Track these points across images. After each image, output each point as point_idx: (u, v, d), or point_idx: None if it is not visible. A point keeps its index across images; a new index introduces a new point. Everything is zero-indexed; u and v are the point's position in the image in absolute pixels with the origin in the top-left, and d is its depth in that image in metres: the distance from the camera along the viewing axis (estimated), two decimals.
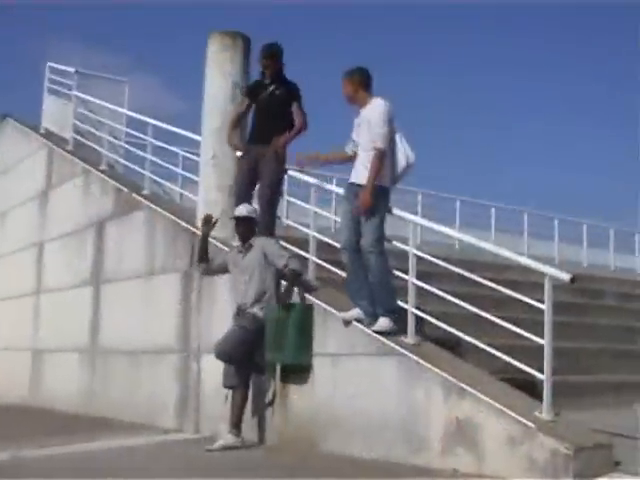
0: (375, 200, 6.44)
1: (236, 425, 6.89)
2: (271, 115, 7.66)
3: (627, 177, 39.58)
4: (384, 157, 6.48)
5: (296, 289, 7.05)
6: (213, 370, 7.32)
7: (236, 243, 7.55)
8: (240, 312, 7.12)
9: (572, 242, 18.80)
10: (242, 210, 7.32)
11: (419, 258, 6.57)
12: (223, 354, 6.99)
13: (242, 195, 7.70)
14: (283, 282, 7.12)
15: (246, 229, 7.28)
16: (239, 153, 7.90)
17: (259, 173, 7.66)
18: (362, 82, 6.72)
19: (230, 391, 7.00)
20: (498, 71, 58.04)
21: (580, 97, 56.96)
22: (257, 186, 7.75)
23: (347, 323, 6.59)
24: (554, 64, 54.73)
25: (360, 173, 6.58)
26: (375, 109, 6.58)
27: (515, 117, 56.83)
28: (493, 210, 17.62)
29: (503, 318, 5.95)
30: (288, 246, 7.56)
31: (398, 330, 6.38)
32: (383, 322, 6.39)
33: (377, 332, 6.35)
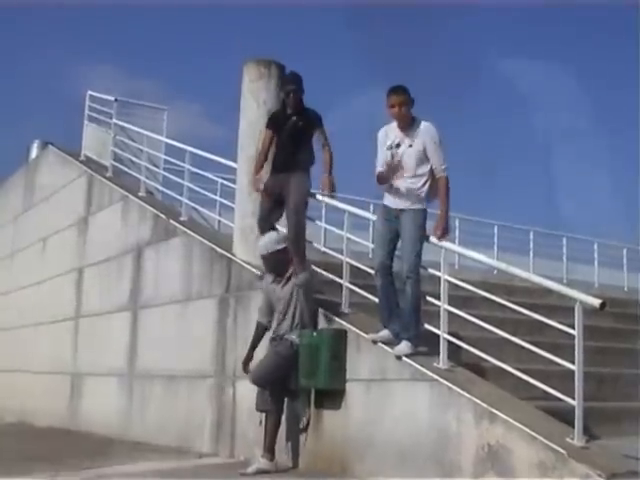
0: (421, 224, 6.41)
1: (270, 449, 6.93)
2: (295, 146, 7.66)
3: None
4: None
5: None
6: (248, 395, 7.38)
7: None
8: (277, 338, 7.16)
9: (613, 267, 18.57)
10: (266, 246, 7.24)
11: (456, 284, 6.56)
12: (259, 379, 7.05)
13: (265, 223, 7.74)
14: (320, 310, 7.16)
15: (276, 264, 7.24)
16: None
17: (285, 201, 7.67)
18: (412, 102, 6.52)
19: (264, 415, 7.05)
20: None
21: None
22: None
23: (375, 343, 6.59)
24: None
25: (403, 198, 6.44)
26: (430, 133, 6.42)
27: None
28: (531, 234, 17.48)
29: (540, 343, 5.91)
30: (324, 272, 7.60)
31: (431, 355, 6.39)
32: (404, 346, 6.38)
33: (396, 357, 6.36)
